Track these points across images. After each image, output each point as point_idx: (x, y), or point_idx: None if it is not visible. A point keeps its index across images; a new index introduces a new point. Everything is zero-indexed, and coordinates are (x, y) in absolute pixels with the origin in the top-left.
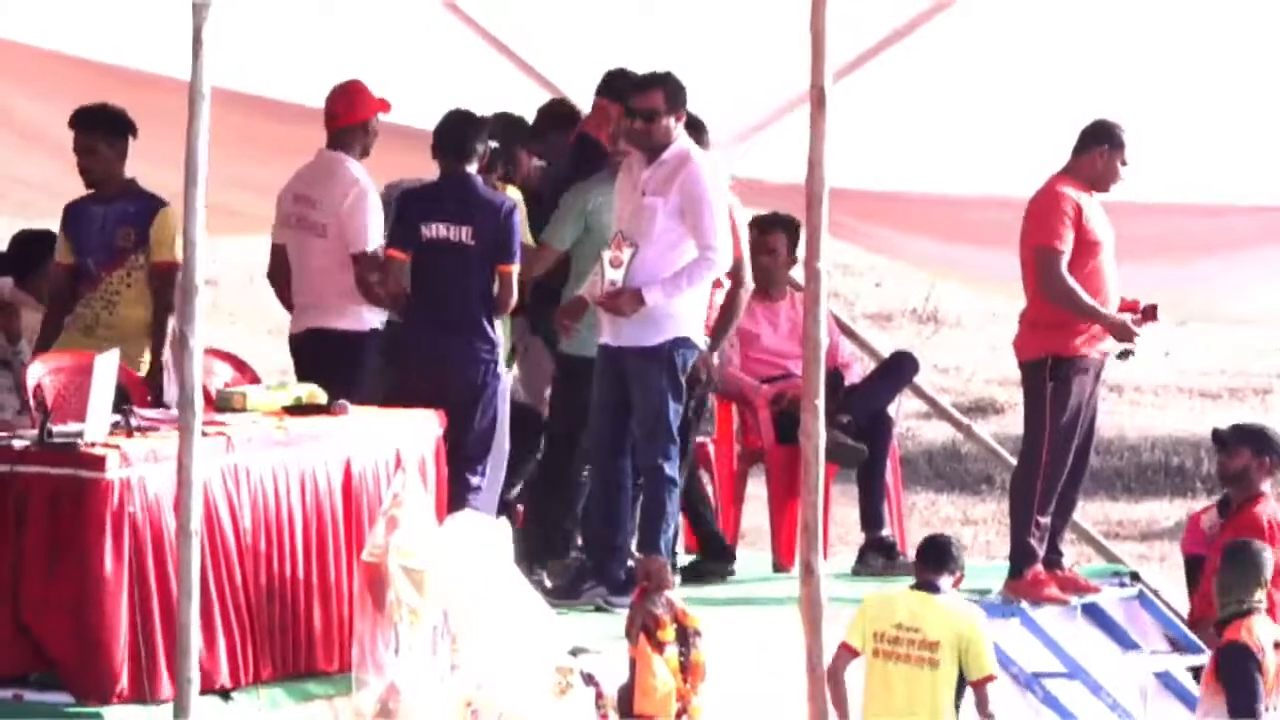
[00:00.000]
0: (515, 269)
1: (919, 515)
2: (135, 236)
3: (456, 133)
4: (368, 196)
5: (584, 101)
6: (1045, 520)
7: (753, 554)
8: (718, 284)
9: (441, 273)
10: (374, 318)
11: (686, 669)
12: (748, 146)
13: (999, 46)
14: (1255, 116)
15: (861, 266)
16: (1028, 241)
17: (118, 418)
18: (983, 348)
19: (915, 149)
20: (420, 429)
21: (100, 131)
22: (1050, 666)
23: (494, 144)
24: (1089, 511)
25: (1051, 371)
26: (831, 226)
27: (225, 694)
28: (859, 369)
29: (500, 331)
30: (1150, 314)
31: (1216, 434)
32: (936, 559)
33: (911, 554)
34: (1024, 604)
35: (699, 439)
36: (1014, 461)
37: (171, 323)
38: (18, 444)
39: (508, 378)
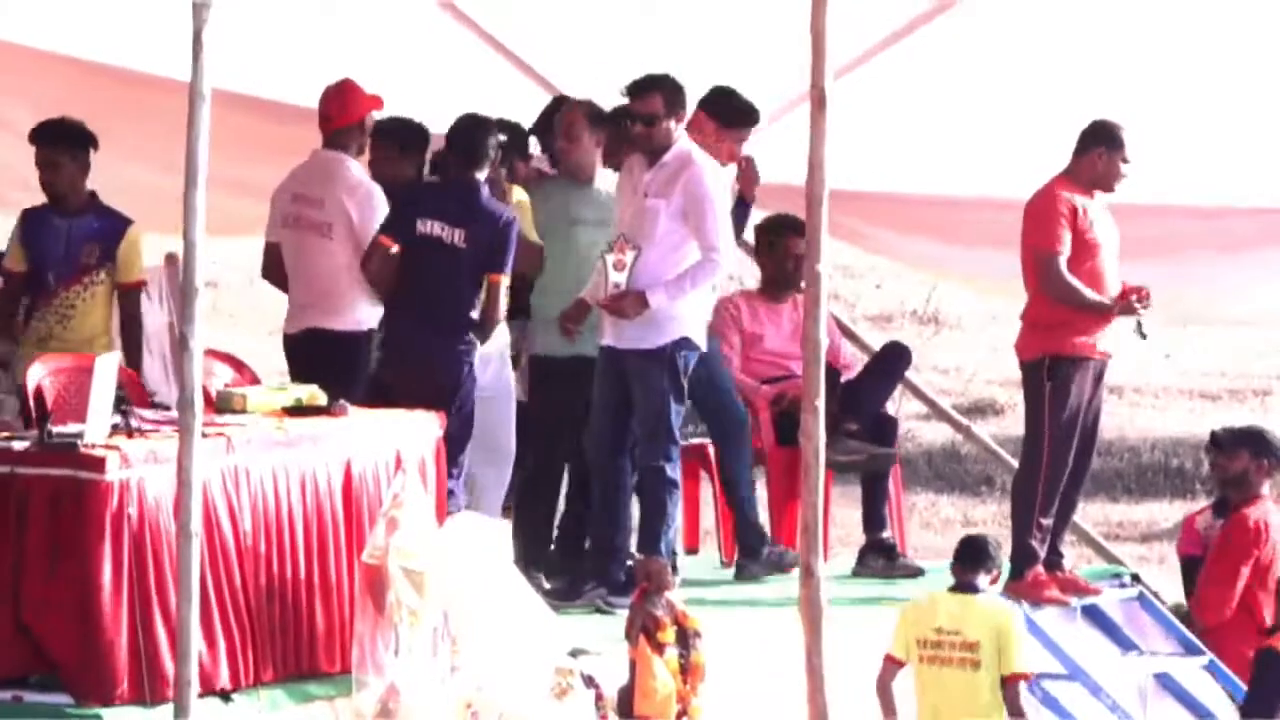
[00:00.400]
0: (505, 280)
1: (919, 516)
2: (100, 254)
3: (467, 137)
4: (375, 196)
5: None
6: (1046, 521)
7: None
8: None
9: (428, 270)
10: (370, 319)
11: (686, 670)
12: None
13: (999, 47)
14: (1255, 118)
15: (862, 268)
16: (1026, 243)
17: (118, 419)
18: (983, 349)
19: (916, 150)
20: (420, 430)
21: (64, 145)
22: (1050, 667)
23: (503, 137)
24: (1089, 513)
25: (1049, 371)
26: (831, 227)
27: (225, 695)
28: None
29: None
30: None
31: (1214, 437)
32: (973, 559)
33: (911, 555)
34: (1024, 605)
35: (697, 441)
36: (1014, 463)
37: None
38: (18, 445)
39: (513, 378)
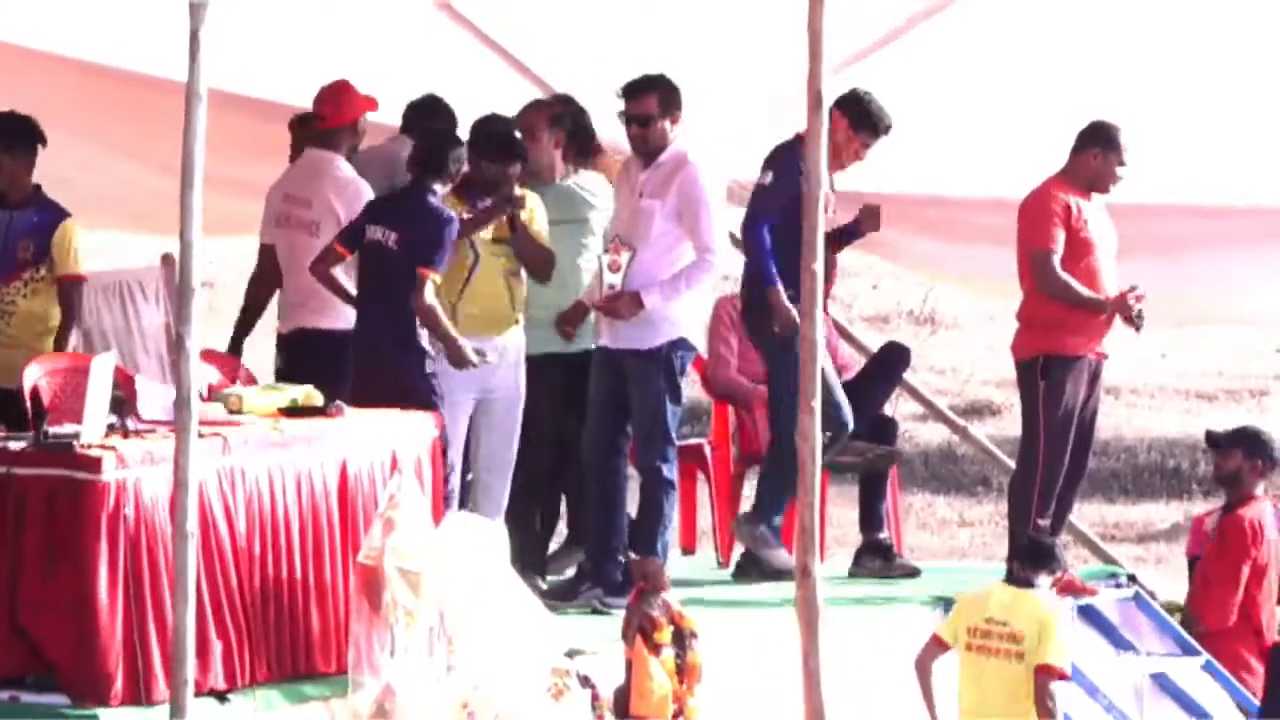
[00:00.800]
0: (433, 275)
1: (916, 517)
2: (34, 249)
3: (428, 147)
4: (363, 195)
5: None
6: (1044, 522)
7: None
8: None
9: (371, 274)
10: None
11: (683, 671)
12: (745, 148)
13: (996, 47)
14: (1253, 117)
15: (859, 268)
16: (1021, 241)
17: (114, 419)
18: (980, 349)
19: (912, 150)
20: (417, 431)
21: (2, 143)
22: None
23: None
24: (1085, 513)
25: (1044, 371)
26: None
27: (221, 696)
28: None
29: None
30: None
31: (1210, 436)
32: (1034, 558)
33: (908, 555)
34: None
35: (694, 441)
36: (1011, 463)
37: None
38: (14, 445)
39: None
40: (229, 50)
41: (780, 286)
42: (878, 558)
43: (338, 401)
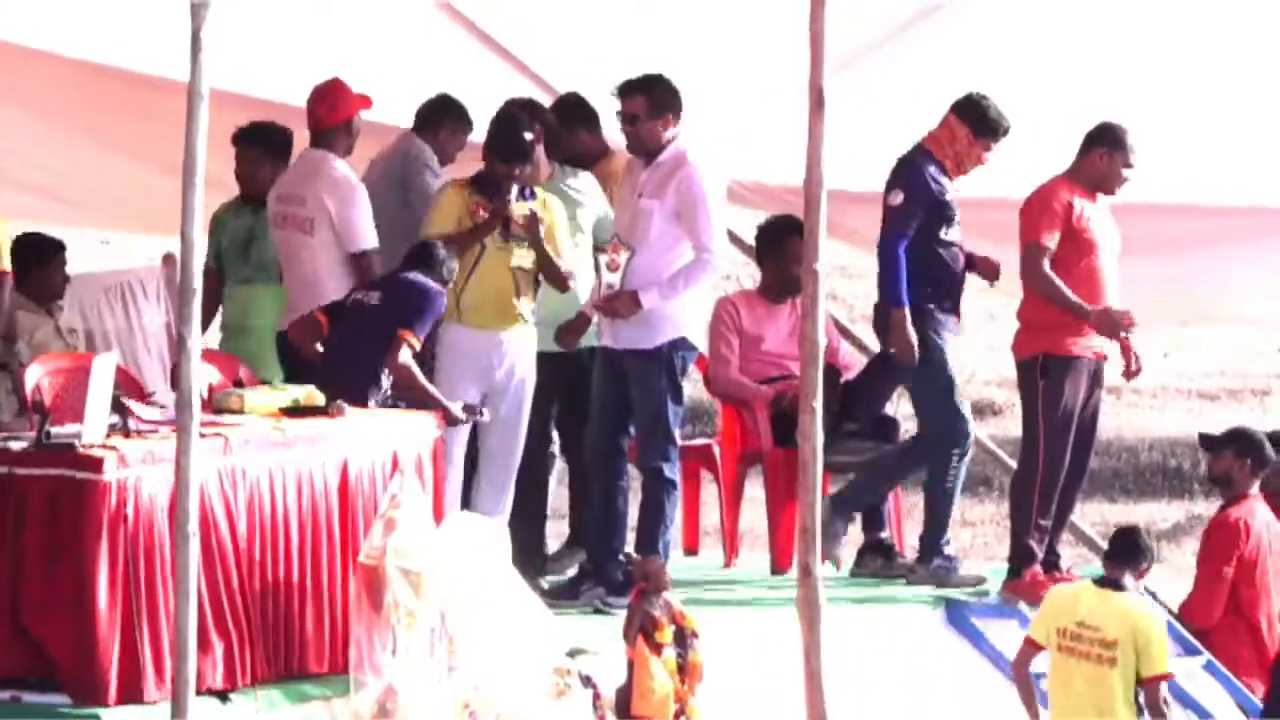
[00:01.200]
0: (413, 339)
1: (917, 516)
2: None
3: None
4: (358, 195)
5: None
6: (1045, 521)
7: (750, 556)
8: None
9: (345, 332)
10: None
11: (684, 670)
12: (745, 148)
13: (996, 47)
14: (1254, 117)
15: (860, 268)
16: (1019, 238)
17: (115, 419)
18: (981, 349)
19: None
20: (418, 431)
21: None
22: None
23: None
24: (1086, 513)
25: (1043, 370)
26: (830, 227)
27: (223, 695)
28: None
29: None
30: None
31: (1202, 438)
32: (1122, 554)
33: (909, 555)
34: (1022, 605)
35: (701, 441)
36: (1012, 463)
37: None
38: (16, 446)
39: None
40: (231, 50)
41: (907, 310)
42: (879, 557)
43: (339, 401)
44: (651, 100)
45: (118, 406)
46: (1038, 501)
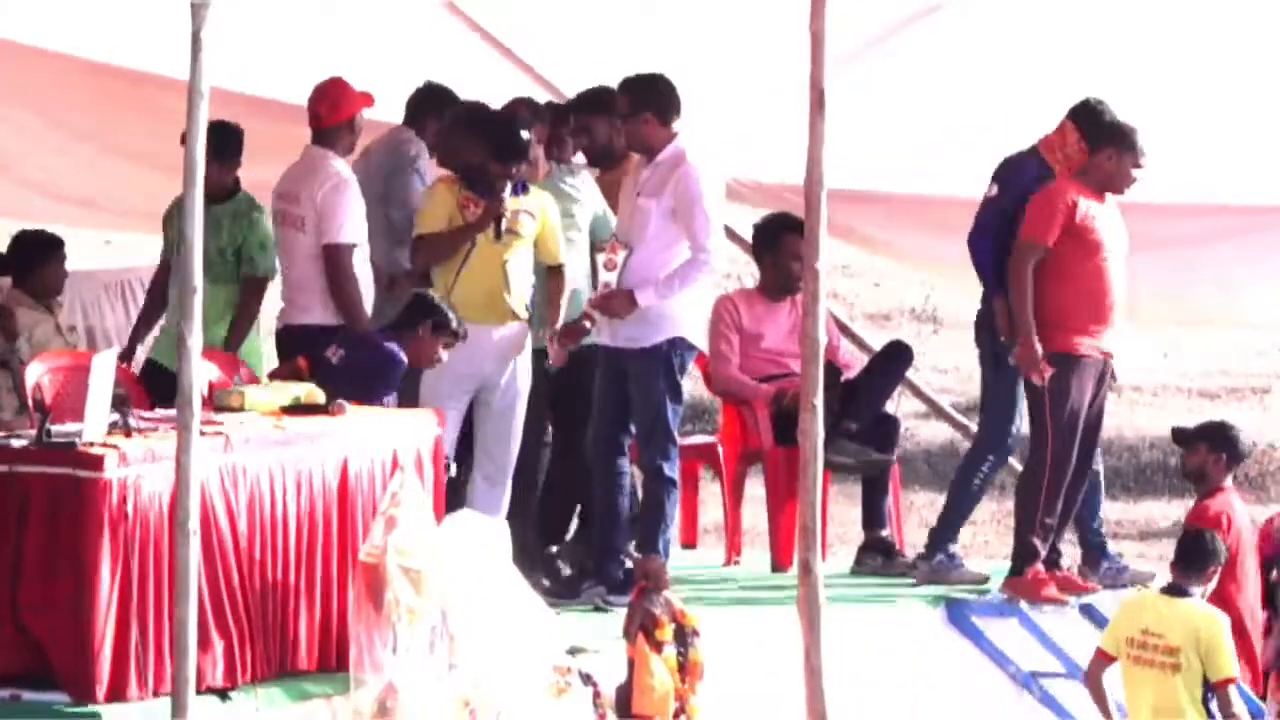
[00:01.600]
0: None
1: (918, 515)
2: None
3: (402, 325)
4: (346, 190)
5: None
6: (1050, 520)
7: (751, 554)
8: None
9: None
10: (330, 316)
11: (685, 669)
12: (745, 147)
13: (998, 46)
14: (1256, 115)
15: (861, 267)
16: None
17: (116, 417)
18: None
19: (914, 149)
20: (418, 429)
21: None
22: (1048, 666)
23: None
24: None
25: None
26: (830, 227)
27: (223, 693)
28: (859, 370)
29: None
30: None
31: (1176, 432)
32: (1187, 559)
33: (910, 554)
34: (1023, 603)
35: (704, 440)
36: (1013, 461)
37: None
38: (16, 444)
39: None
40: (232, 49)
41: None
42: (880, 556)
43: (339, 400)
44: (632, 98)
45: (118, 404)
46: (1044, 500)
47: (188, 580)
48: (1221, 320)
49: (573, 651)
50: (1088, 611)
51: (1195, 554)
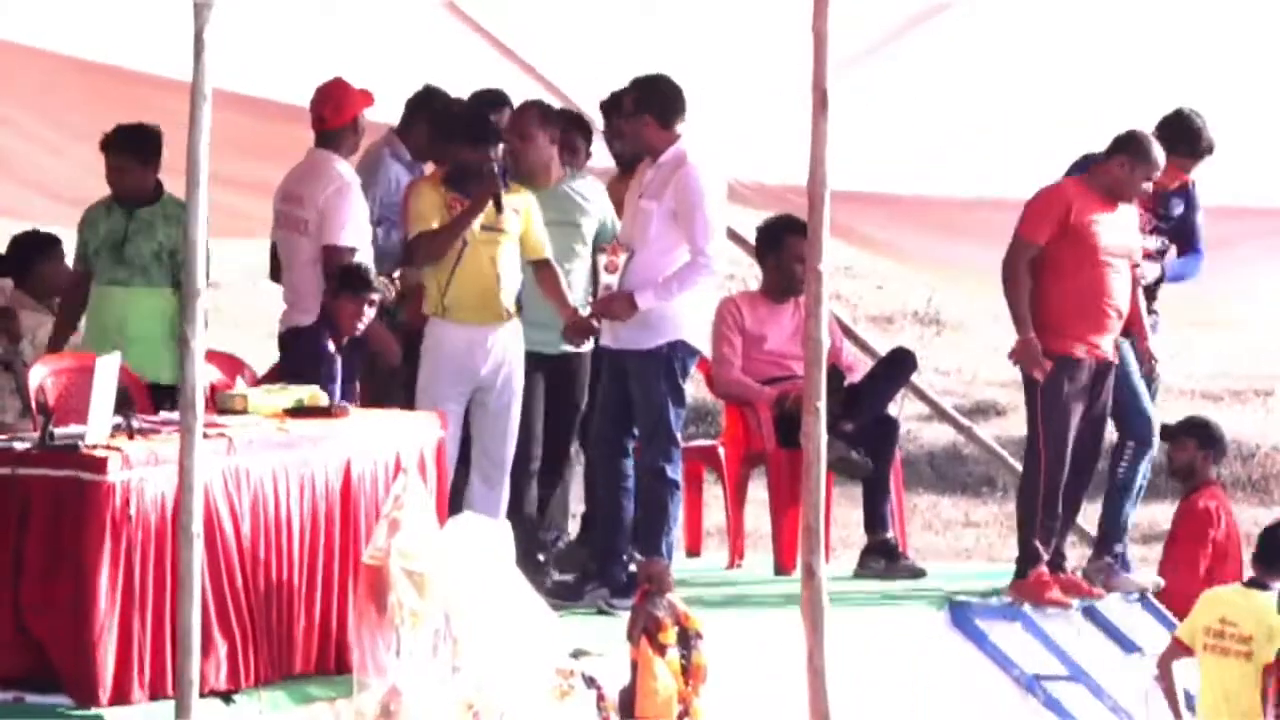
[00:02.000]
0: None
1: (921, 517)
2: None
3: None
4: (348, 192)
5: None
6: (1051, 522)
7: (754, 556)
8: None
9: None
10: None
11: (688, 671)
12: (746, 147)
13: (1000, 47)
14: (1259, 118)
15: (863, 269)
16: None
17: (119, 420)
18: (984, 350)
19: (917, 151)
20: (421, 431)
21: None
22: (1052, 669)
23: None
24: (1091, 514)
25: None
26: (832, 228)
27: (226, 696)
28: (863, 372)
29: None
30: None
31: (1164, 429)
32: (1268, 555)
33: (913, 556)
34: (1026, 606)
35: (706, 442)
36: (1015, 464)
37: None
38: (19, 446)
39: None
40: (234, 50)
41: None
42: (882, 558)
43: (342, 402)
44: (635, 99)
45: (121, 407)
46: (1042, 501)
47: (191, 583)
48: (1225, 321)
49: (576, 654)
50: (1092, 614)
51: (1273, 551)
